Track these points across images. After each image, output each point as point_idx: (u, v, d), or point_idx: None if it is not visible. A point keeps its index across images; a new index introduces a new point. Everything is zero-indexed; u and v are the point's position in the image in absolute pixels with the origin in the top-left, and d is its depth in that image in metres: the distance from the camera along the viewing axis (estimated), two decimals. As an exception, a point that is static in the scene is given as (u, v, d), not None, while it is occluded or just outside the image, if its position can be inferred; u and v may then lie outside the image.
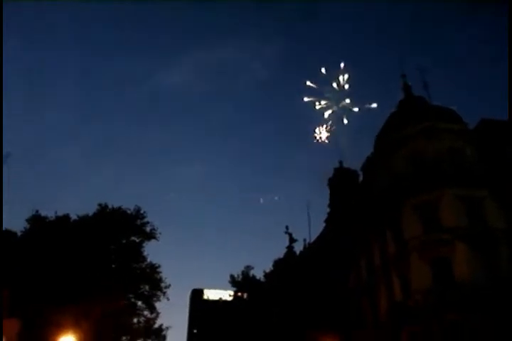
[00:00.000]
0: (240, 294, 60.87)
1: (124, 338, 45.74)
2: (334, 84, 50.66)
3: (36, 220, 41.94)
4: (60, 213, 43.18)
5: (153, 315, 46.02)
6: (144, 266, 45.05)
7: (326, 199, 56.43)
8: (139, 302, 45.47)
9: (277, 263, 55.90)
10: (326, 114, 52.52)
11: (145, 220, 45.46)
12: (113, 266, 43.45)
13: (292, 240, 57.41)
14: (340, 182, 55.62)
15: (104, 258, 41.92)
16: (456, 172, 38.37)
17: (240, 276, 57.40)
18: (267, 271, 56.63)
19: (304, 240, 57.87)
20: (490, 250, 35.13)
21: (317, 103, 51.51)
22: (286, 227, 57.42)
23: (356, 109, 51.25)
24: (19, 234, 41.35)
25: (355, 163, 60.52)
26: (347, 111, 51.71)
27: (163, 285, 45.27)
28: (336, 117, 52.79)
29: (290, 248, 57.47)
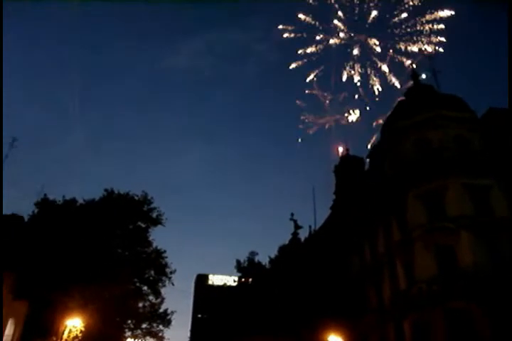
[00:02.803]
0: (244, 280, 61.32)
1: (129, 321, 46.13)
2: None
3: (44, 204, 42.19)
4: (68, 197, 43.47)
5: (158, 300, 46.41)
6: (149, 251, 45.31)
7: (332, 187, 56.59)
8: (145, 287, 45.79)
9: (282, 250, 56.19)
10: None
11: (152, 206, 45.66)
12: (119, 250, 43.72)
13: (297, 227, 57.67)
14: (347, 169, 55.71)
15: (110, 242, 42.17)
16: (462, 160, 38.29)
17: (246, 262, 57.76)
18: (272, 257, 56.94)
19: (310, 227, 58.18)
20: (495, 239, 35.11)
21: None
22: (292, 214, 57.71)
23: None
24: (27, 218, 41.62)
25: (361, 150, 64.00)
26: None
27: (168, 270, 45.57)
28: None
29: (295, 234, 57.74)
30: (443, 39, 59.07)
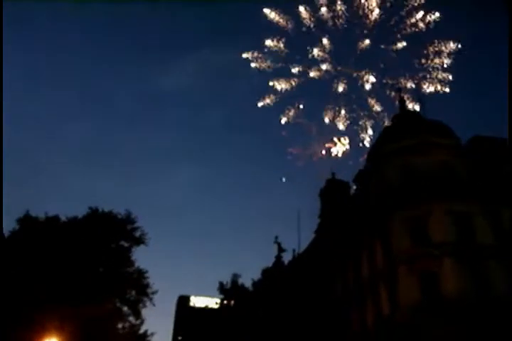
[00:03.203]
0: (227, 302, 60.73)
1: (108, 343, 45.28)
2: None
3: (26, 221, 41.70)
4: (50, 214, 43.02)
5: (139, 321, 45.69)
6: (131, 270, 44.79)
7: (316, 210, 56.45)
8: (125, 308, 45.12)
9: (266, 272, 55.86)
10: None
11: (135, 225, 45.34)
12: (101, 269, 43.17)
13: (281, 250, 57.45)
14: (332, 193, 55.71)
15: (92, 261, 41.65)
16: (446, 186, 38.53)
17: (229, 284, 57.31)
18: (256, 279, 56.56)
19: (294, 250, 57.92)
20: (478, 266, 35.21)
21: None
22: (276, 237, 57.57)
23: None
24: (7, 234, 41.01)
25: (348, 174, 60.45)
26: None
27: (149, 291, 44.99)
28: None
29: (279, 257, 57.48)
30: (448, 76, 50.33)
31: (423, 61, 47.98)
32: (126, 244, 44.98)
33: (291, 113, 49.33)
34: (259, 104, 50.22)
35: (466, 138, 43.57)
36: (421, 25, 44.92)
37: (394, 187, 40.31)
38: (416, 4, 45.49)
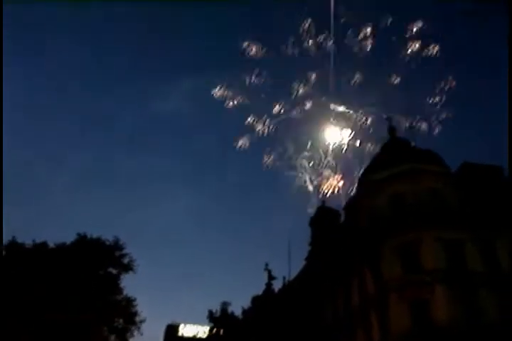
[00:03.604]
0: (216, 330, 59.97)
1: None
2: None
3: (13, 247, 41.25)
4: (38, 240, 42.61)
5: (126, 351, 44.88)
6: (120, 298, 44.30)
7: (307, 237, 56.36)
8: (112, 336, 44.42)
9: (256, 300, 55.36)
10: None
11: (123, 252, 45.04)
12: (88, 297, 42.59)
13: (271, 277, 57.07)
14: (322, 221, 55.72)
15: (79, 289, 41.13)
16: (436, 214, 38.66)
17: (218, 312, 56.71)
18: (245, 307, 56.02)
19: (284, 278, 57.55)
20: (469, 293, 35.07)
21: None
22: (266, 264, 57.27)
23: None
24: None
25: (337, 202, 60.07)
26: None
27: (137, 319, 44.43)
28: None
29: (269, 285, 57.06)
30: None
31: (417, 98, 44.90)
32: (114, 271, 44.58)
33: (270, 159, 43.66)
34: (238, 144, 44.04)
35: (456, 165, 43.93)
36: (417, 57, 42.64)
37: (384, 214, 40.44)
38: (413, 35, 43.03)
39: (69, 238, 43.81)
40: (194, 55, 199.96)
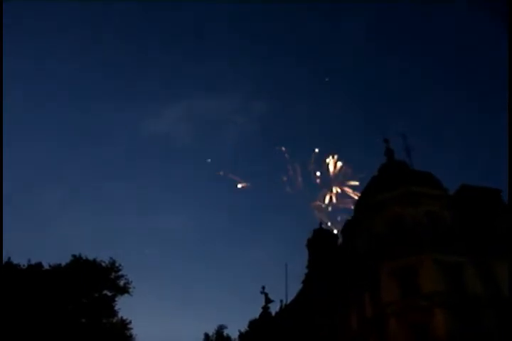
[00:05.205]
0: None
1: None
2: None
3: (7, 268, 40.80)
4: (33, 261, 42.23)
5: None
6: (115, 321, 43.72)
7: (304, 260, 56.05)
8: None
9: (252, 324, 54.72)
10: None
11: (119, 273, 44.61)
12: (83, 320, 42.03)
13: (268, 300, 56.50)
14: (320, 243, 55.49)
15: (74, 311, 40.62)
16: (434, 237, 38.56)
17: (214, 335, 55.99)
18: (242, 330, 55.37)
19: (281, 301, 57.02)
20: (469, 317, 34.70)
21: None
22: (263, 287, 56.76)
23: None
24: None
25: (335, 225, 60.92)
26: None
27: (133, 342, 43.82)
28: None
29: (266, 308, 56.47)
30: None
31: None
32: (109, 293, 44.07)
33: None
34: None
35: (454, 187, 43.98)
36: None
37: (381, 237, 40.25)
38: None
39: (64, 259, 43.45)
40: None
